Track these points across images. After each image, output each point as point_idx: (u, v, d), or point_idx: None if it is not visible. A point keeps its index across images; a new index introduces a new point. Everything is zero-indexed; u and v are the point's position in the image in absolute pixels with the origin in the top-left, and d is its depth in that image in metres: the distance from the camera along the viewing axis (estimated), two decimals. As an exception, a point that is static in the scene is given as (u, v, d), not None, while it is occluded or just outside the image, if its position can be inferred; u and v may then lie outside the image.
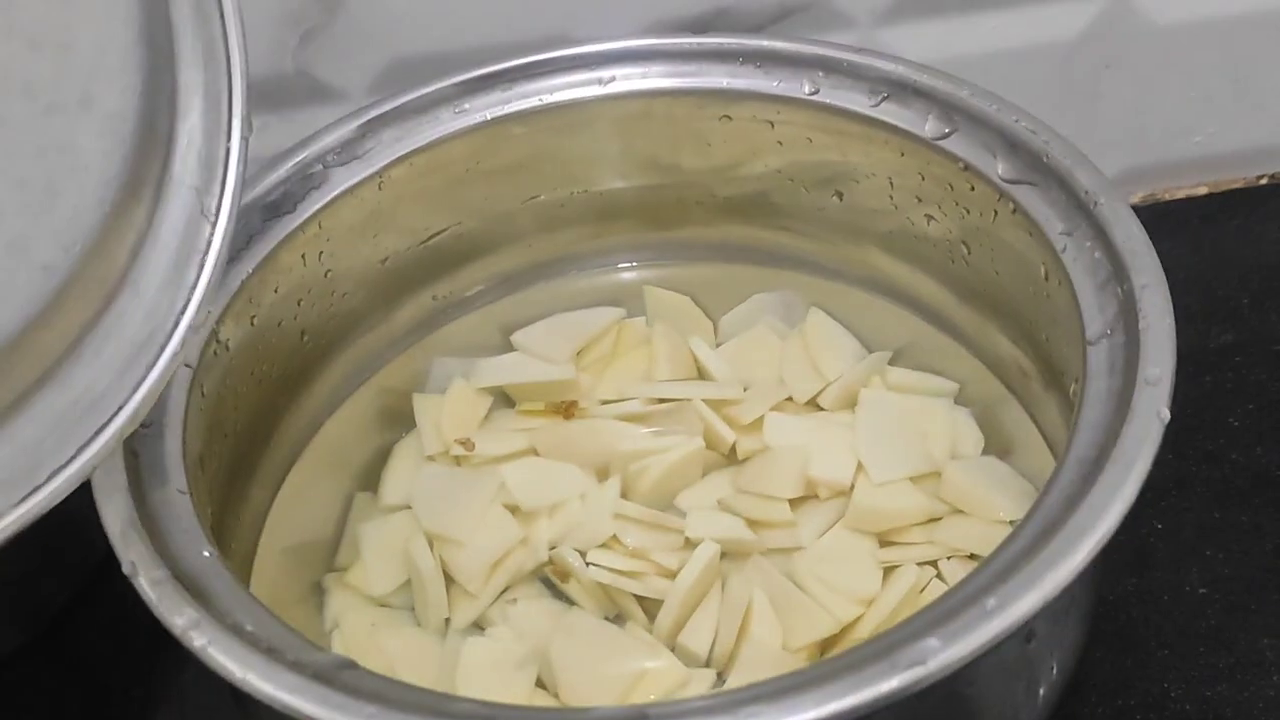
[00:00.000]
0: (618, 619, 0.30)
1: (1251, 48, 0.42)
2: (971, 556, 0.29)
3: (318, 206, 0.31)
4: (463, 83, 0.33)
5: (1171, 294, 0.42)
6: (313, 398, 0.34)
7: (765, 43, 0.34)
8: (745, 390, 0.34)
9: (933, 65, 0.35)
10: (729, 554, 0.30)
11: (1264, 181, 0.46)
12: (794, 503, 0.31)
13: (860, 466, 0.31)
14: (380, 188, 0.32)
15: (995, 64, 0.41)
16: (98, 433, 0.24)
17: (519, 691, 0.27)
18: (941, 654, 0.20)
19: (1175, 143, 0.45)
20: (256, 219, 0.31)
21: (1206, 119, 0.44)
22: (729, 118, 0.33)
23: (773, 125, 0.33)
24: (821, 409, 0.34)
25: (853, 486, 0.31)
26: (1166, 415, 0.22)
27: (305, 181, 0.31)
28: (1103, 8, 0.40)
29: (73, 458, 0.24)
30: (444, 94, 0.33)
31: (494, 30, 0.37)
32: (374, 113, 0.32)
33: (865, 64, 0.32)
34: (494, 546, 0.31)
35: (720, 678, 0.28)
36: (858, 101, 0.32)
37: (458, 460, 0.33)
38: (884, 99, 0.32)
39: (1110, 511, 0.21)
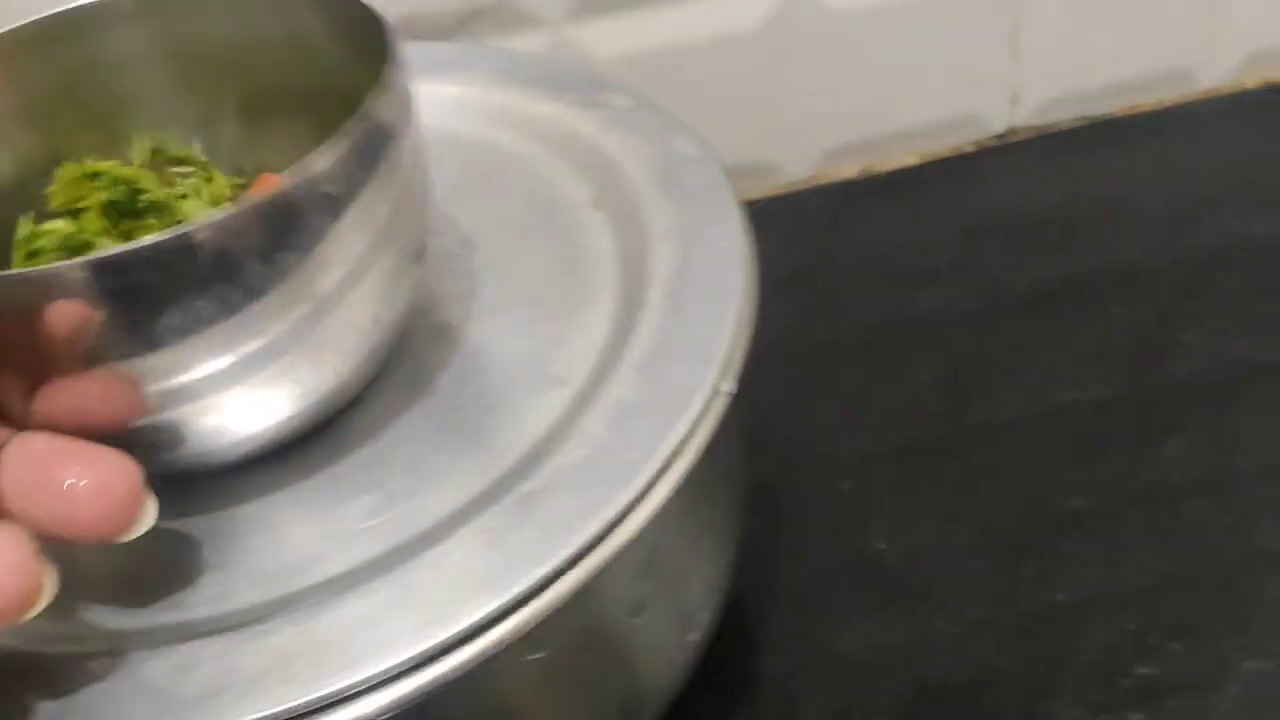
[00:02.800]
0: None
1: (935, 25, 0.45)
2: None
3: None
4: None
5: (881, 263, 0.45)
6: None
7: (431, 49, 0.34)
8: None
9: (622, 60, 0.36)
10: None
11: (970, 148, 0.49)
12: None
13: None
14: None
15: (688, 56, 0.42)
16: None
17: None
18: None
19: (881, 117, 0.47)
20: None
21: (908, 93, 0.46)
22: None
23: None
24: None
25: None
26: (727, 388, 0.24)
27: None
28: (780, -4, 0.42)
29: None
30: None
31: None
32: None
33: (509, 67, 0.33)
34: None
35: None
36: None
37: None
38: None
39: (665, 481, 0.22)
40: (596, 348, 0.25)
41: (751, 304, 0.25)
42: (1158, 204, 0.45)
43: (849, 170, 0.48)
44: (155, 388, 0.21)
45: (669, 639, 0.26)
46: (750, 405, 0.39)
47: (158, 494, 0.20)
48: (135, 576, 0.22)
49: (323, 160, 0.21)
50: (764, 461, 0.38)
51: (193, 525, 0.23)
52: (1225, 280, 0.42)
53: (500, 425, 0.24)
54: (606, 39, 0.41)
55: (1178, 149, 0.48)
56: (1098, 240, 0.44)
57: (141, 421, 0.21)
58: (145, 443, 0.21)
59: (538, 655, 0.22)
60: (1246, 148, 0.47)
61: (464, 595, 0.20)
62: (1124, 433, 0.38)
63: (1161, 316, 0.41)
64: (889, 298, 0.43)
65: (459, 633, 0.19)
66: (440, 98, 0.32)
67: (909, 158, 0.48)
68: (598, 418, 0.23)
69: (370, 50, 0.23)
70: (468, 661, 0.20)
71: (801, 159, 0.47)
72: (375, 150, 0.22)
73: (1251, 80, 0.50)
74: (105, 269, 0.19)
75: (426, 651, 0.19)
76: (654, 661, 0.26)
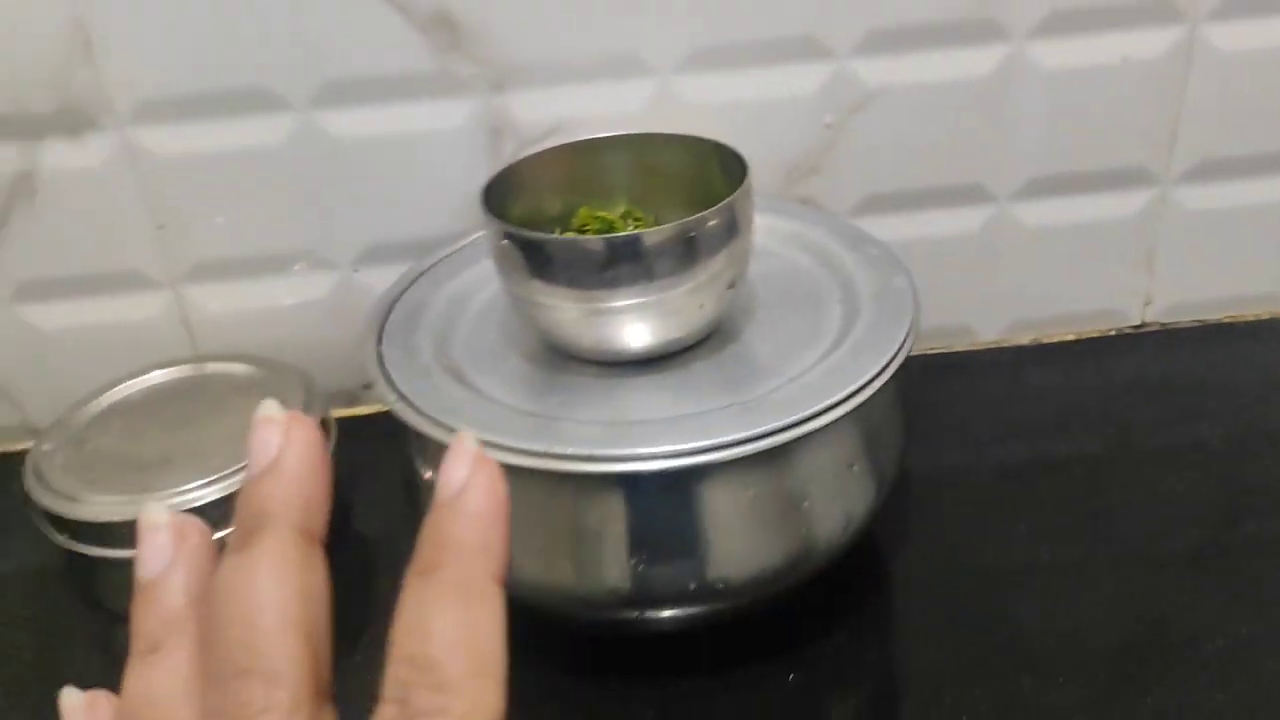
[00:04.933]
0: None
1: (1093, 241, 0.65)
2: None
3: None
4: None
5: (1033, 412, 0.62)
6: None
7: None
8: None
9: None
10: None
11: (1113, 332, 0.68)
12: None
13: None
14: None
15: (931, 248, 0.63)
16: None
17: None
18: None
19: (1049, 304, 0.67)
20: None
21: (1071, 288, 0.66)
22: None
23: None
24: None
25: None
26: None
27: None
28: (991, 214, 0.63)
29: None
30: None
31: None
32: None
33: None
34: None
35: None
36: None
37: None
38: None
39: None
40: (810, 361, 0.46)
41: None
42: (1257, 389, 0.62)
43: (1024, 338, 0.67)
44: (606, 305, 0.44)
45: (867, 490, 0.46)
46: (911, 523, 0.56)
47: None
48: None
49: (703, 219, 0.44)
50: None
51: (592, 388, 0.46)
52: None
53: (755, 381, 0.45)
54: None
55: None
56: (1210, 410, 0.61)
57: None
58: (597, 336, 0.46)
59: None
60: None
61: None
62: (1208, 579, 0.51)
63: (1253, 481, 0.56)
64: (1034, 441, 0.60)
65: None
66: (781, 229, 0.54)
67: (1068, 335, 0.67)
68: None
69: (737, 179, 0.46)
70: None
71: (991, 325, 0.67)
72: (724, 223, 0.45)
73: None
74: (611, 242, 0.43)
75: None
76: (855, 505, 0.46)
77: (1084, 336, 0.68)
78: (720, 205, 0.44)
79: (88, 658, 0.52)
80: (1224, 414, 0.61)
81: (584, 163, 0.51)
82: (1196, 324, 0.68)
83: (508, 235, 0.45)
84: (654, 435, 0.41)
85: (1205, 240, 0.65)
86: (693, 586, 0.43)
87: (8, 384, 0.65)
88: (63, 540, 0.52)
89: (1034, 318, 0.67)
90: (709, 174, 0.49)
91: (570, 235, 0.50)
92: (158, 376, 0.60)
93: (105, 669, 0.49)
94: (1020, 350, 0.67)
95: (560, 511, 0.43)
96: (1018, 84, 0.59)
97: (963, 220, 0.63)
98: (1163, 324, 0.68)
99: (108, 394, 0.58)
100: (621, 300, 0.44)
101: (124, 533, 0.50)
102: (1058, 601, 0.50)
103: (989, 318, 0.67)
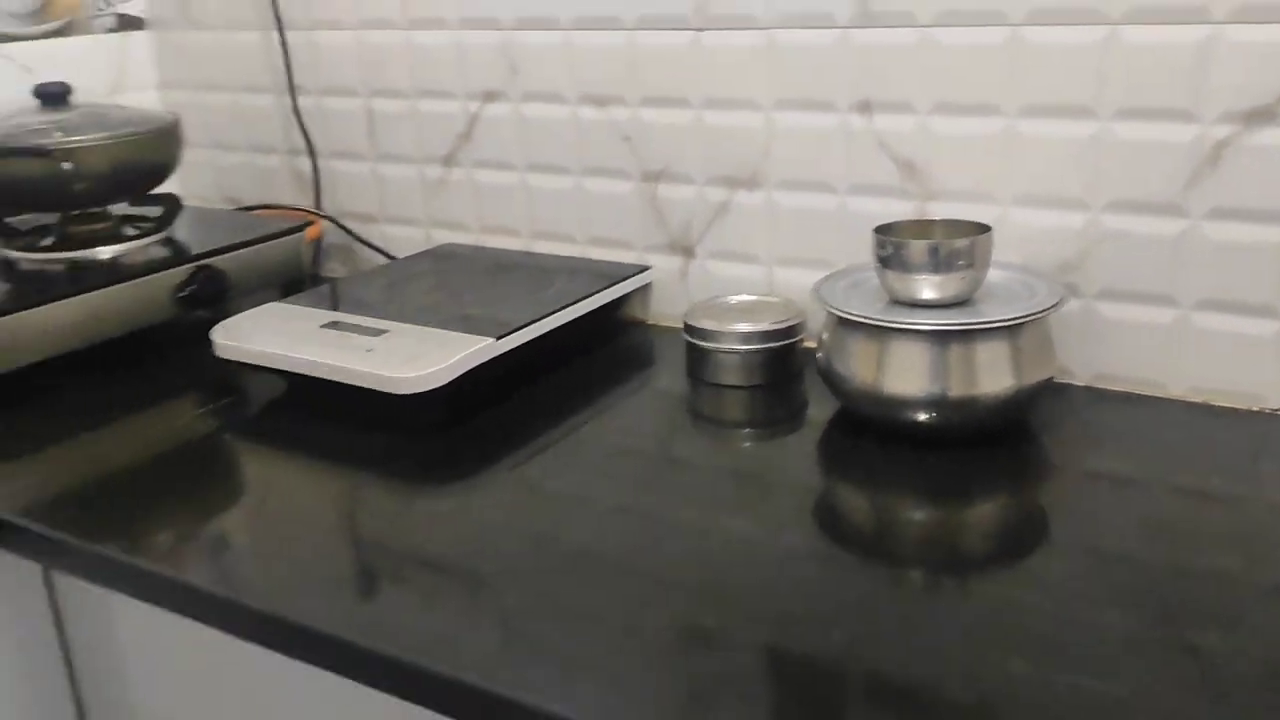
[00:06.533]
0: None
1: (1254, 355, 1.08)
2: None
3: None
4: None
5: (1192, 450, 1.06)
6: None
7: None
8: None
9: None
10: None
11: (1256, 409, 1.08)
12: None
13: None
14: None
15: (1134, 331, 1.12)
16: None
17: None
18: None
19: (1225, 384, 1.10)
20: None
21: (1238, 378, 1.09)
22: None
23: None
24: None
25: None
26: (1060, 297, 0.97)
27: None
28: (1177, 314, 1.10)
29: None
30: None
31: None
32: None
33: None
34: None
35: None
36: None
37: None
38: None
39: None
40: (998, 314, 1.01)
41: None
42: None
43: (1198, 398, 1.11)
44: (914, 277, 1.07)
45: (1006, 383, 1.00)
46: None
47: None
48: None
49: (957, 244, 1.02)
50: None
51: (904, 310, 1.04)
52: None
53: (971, 317, 1.01)
54: (1109, 310, 1.13)
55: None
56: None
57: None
58: (907, 291, 1.05)
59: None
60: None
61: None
62: None
63: None
64: (1175, 467, 1.04)
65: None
66: (1025, 280, 1.10)
67: (1226, 403, 1.10)
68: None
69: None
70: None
71: (1177, 384, 1.12)
72: (969, 249, 1.03)
73: None
74: (915, 246, 1.03)
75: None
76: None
77: (1238, 408, 1.09)
78: (967, 239, 1.04)
79: (682, 412, 1.23)
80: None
81: (924, 225, 1.13)
82: (1320, 418, 1.06)
83: (876, 240, 1.09)
84: (920, 320, 1.02)
85: (1322, 362, 1.05)
86: (927, 397, 1.02)
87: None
88: (686, 337, 1.26)
89: (1205, 387, 1.11)
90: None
91: (899, 240, 1.11)
92: (734, 299, 1.33)
93: (687, 423, 1.19)
94: (1192, 405, 1.11)
95: (875, 351, 1.05)
96: (1191, 245, 1.08)
97: (1157, 315, 1.11)
98: (1292, 415, 1.07)
99: (732, 297, 1.32)
100: (919, 276, 1.06)
101: (710, 334, 1.23)
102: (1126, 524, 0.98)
103: (1176, 379, 1.12)
